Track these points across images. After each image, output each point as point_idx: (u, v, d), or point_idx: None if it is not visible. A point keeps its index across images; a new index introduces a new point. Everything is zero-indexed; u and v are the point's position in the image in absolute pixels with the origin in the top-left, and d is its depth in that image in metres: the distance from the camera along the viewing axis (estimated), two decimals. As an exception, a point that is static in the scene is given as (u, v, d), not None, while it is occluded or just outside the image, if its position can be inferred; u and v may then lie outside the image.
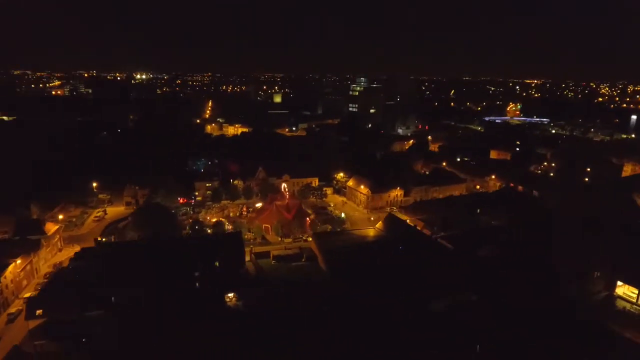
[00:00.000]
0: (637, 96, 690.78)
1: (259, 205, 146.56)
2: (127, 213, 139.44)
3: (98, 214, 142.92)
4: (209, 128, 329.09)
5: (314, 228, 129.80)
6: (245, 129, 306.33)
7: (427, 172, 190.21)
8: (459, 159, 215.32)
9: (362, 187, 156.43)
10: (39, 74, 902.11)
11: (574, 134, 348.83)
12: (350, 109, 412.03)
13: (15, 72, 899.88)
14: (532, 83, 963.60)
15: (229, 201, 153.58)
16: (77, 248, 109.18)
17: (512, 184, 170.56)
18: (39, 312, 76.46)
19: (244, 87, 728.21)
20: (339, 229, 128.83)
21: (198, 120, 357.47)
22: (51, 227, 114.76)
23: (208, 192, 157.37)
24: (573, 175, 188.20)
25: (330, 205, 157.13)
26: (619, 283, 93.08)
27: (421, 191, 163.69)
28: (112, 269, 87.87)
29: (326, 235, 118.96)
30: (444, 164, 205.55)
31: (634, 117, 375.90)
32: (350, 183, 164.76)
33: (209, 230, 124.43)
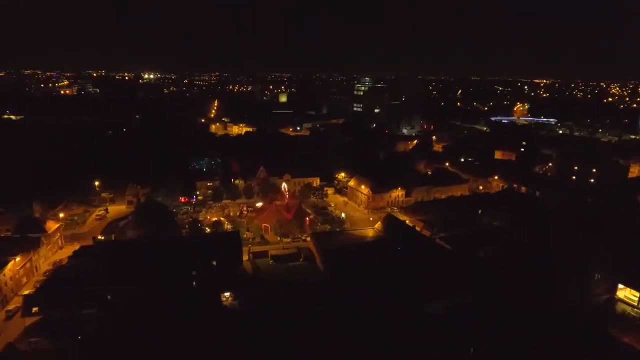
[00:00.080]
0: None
1: (259, 204, 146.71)
2: (129, 212, 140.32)
3: (100, 213, 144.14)
4: (213, 127, 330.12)
5: (313, 228, 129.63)
6: (249, 129, 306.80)
7: (430, 173, 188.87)
8: (462, 160, 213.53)
9: (362, 187, 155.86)
10: (48, 73, 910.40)
11: (581, 134, 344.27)
12: (355, 108, 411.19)
13: (26, 72, 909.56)
14: (541, 83, 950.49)
15: (229, 200, 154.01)
16: (78, 246, 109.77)
17: (515, 185, 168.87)
18: (35, 309, 77.01)
19: (250, 87, 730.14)
20: (337, 229, 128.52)
21: (203, 120, 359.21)
22: (52, 225, 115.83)
23: (209, 191, 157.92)
24: (576, 175, 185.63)
25: (331, 205, 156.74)
26: (620, 286, 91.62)
27: (423, 191, 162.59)
28: (110, 267, 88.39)
29: (324, 235, 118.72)
30: (447, 164, 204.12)
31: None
32: (352, 183, 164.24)
33: (207, 230, 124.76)
